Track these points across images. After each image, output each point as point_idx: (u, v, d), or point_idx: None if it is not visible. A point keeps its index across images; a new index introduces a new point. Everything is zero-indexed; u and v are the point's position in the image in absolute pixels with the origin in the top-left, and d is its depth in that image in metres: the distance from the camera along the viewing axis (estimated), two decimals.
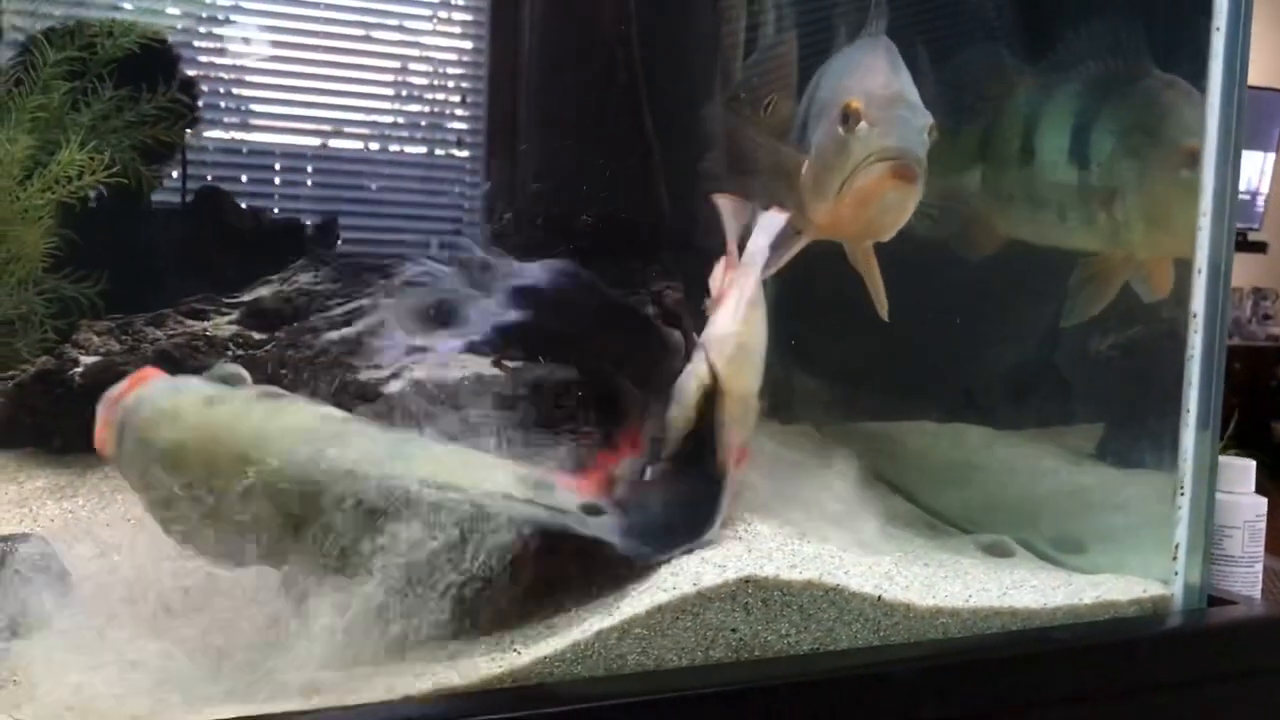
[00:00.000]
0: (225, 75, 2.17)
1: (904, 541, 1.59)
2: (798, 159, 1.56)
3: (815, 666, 1.21)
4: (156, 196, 1.89)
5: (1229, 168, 1.43)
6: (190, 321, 1.71)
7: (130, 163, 1.64)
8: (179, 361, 1.65)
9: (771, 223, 1.44)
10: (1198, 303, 1.45)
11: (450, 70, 2.46)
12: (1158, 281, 1.64)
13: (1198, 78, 1.45)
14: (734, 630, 1.19)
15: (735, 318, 1.36)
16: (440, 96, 2.48)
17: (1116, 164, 1.68)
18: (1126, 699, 1.36)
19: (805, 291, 1.83)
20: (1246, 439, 1.66)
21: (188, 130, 1.86)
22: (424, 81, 2.45)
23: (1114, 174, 1.68)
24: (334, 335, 1.56)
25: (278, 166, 2.32)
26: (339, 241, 2.18)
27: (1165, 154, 1.60)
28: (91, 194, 1.67)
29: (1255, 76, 1.51)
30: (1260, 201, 6.72)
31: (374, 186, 2.39)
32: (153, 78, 1.73)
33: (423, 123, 2.43)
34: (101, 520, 1.43)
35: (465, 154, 2.47)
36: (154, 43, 1.76)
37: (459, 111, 2.50)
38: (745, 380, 1.33)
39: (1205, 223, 1.44)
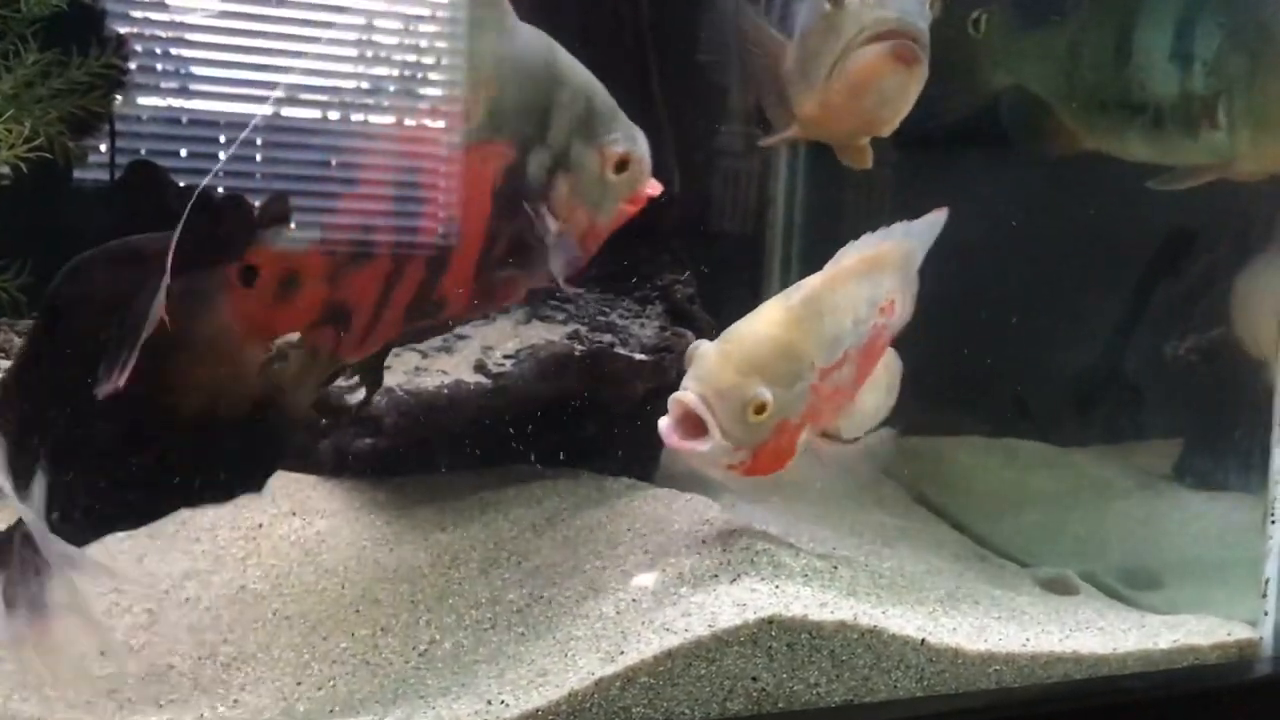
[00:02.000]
0: (160, 33, 2.17)
1: (952, 576, 1.60)
2: (780, 44, 1.56)
3: None
4: (81, 173, 1.89)
5: None
6: None
7: (57, 136, 1.64)
8: None
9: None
10: None
11: (423, 28, 2.46)
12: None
13: None
14: (755, 679, 1.20)
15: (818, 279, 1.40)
16: (411, 58, 2.48)
17: (1223, 62, 1.68)
18: None
19: None
20: None
21: (116, 97, 1.86)
22: (392, 40, 2.45)
23: (1221, 73, 1.69)
24: None
25: (222, 138, 2.32)
26: (290, 224, 2.18)
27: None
28: (7, 171, 1.67)
29: None
30: None
31: (333, 161, 2.39)
32: (81, 38, 1.74)
33: (390, 88, 2.43)
34: None
35: (440, 124, 2.47)
36: None
37: (433, 75, 2.50)
38: (796, 334, 1.35)
39: None
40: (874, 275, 1.44)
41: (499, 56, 1.28)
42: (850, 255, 1.42)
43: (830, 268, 1.41)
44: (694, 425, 1.30)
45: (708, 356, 1.32)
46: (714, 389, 1.29)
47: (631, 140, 1.36)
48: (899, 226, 1.48)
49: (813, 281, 1.40)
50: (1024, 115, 1.94)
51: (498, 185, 1.29)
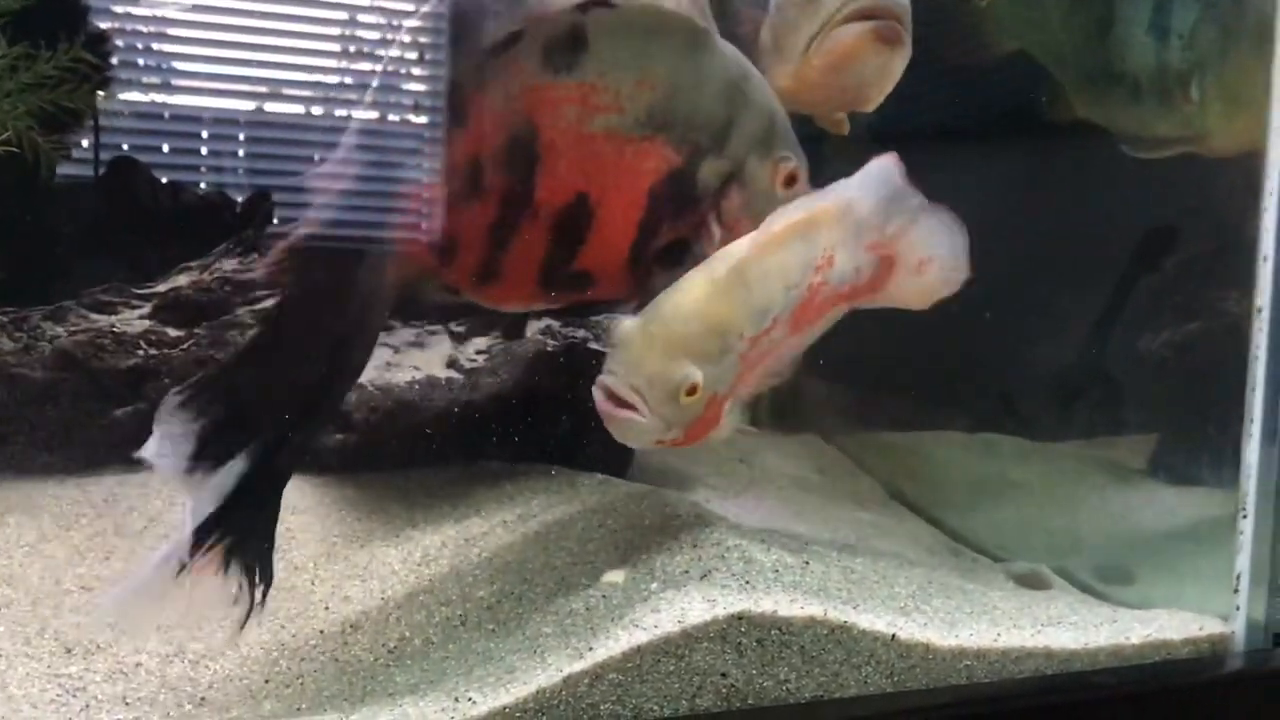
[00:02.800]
0: (142, 28, 2.16)
1: (924, 571, 1.60)
2: (754, 16, 1.56)
3: (819, 716, 1.21)
4: (64, 169, 1.88)
5: None
6: (95, 316, 1.70)
7: (26, 131, 1.63)
8: (82, 363, 1.64)
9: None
10: (1264, 296, 1.45)
11: (406, 22, 2.44)
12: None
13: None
14: (724, 675, 1.19)
15: (748, 242, 1.35)
16: (394, 53, 2.47)
17: (1198, 36, 1.70)
18: None
19: None
20: None
21: (99, 93, 1.84)
22: (375, 35, 2.44)
23: (1195, 47, 1.70)
24: None
25: (204, 134, 2.30)
26: (273, 221, 2.17)
27: (1252, 25, 1.61)
28: None
29: None
30: None
31: (316, 157, 2.37)
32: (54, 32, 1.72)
33: (373, 83, 2.42)
34: None
35: (423, 119, 2.45)
36: None
37: (416, 70, 2.49)
38: (722, 307, 1.30)
39: (1273, 203, 1.45)
40: (809, 236, 1.37)
41: (675, 64, 1.32)
42: (780, 221, 1.36)
43: (759, 233, 1.35)
44: (625, 401, 1.28)
45: (633, 341, 1.28)
46: (643, 376, 1.26)
47: (801, 159, 1.43)
48: (835, 185, 1.41)
49: (739, 249, 1.34)
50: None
51: (657, 183, 1.34)
